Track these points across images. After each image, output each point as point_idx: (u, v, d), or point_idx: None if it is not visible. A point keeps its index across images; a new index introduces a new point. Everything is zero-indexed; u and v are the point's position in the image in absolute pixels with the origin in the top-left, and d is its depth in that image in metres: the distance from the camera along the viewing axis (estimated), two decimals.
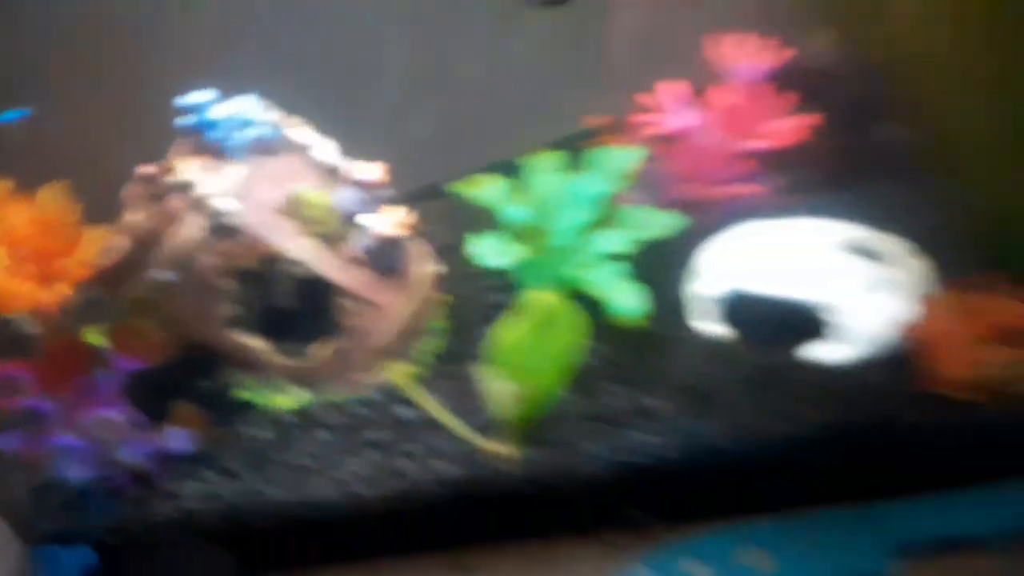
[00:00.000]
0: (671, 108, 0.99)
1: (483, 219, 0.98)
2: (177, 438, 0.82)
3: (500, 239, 0.94)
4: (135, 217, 0.89)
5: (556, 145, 1.01)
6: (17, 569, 0.77)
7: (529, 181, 0.99)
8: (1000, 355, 0.83)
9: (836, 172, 1.02)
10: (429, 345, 0.96)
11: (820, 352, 0.89)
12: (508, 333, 0.78)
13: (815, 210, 0.99)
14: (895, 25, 0.81)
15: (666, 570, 0.85)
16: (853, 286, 0.90)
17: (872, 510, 0.87)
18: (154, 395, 0.83)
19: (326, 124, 0.94)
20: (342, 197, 0.89)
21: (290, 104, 0.95)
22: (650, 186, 1.00)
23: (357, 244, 0.89)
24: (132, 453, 0.80)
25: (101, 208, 0.92)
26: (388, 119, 1.04)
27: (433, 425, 0.88)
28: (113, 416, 0.80)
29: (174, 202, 0.87)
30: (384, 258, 0.89)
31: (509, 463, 0.84)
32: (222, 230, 0.83)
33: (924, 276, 0.92)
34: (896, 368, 0.87)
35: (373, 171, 0.92)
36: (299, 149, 0.92)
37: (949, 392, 0.84)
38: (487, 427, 0.85)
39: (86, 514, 0.82)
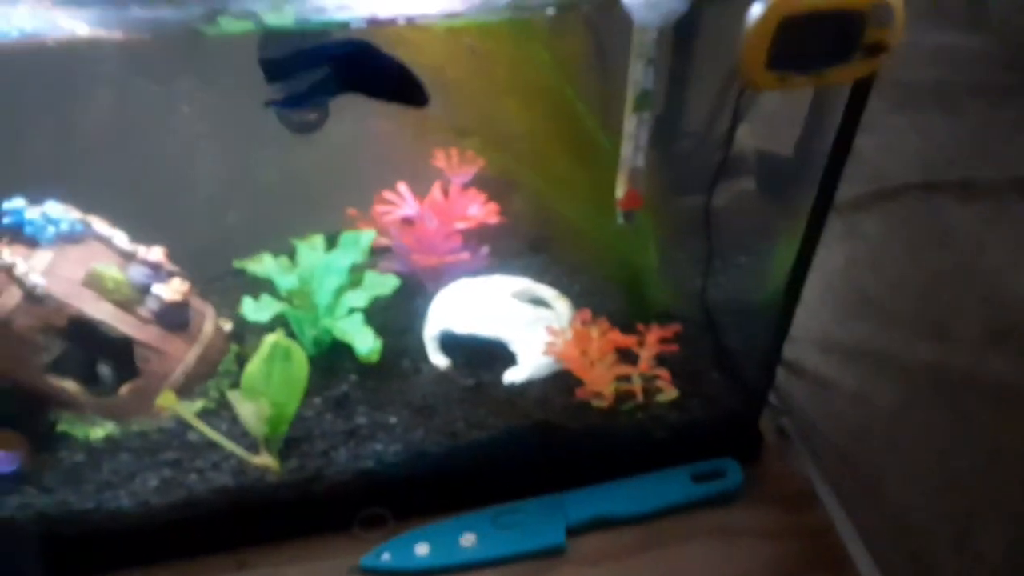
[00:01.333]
0: (402, 202, 1.32)
1: (264, 287, 1.27)
2: (1, 460, 1.05)
3: (262, 300, 1.23)
4: None
5: (322, 231, 1.32)
6: None
7: (299, 257, 1.28)
8: (617, 371, 1.17)
9: (514, 244, 1.38)
10: (221, 383, 1.23)
11: (506, 374, 1.21)
12: (250, 366, 1.07)
13: (504, 269, 1.35)
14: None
15: (402, 554, 1.10)
16: (523, 324, 1.23)
17: (552, 497, 1.16)
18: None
19: (122, 220, 1.22)
20: (134, 272, 1.16)
21: (93, 206, 1.21)
22: (397, 257, 1.33)
23: (148, 307, 1.16)
24: None
25: None
26: (203, 214, 1.32)
27: (215, 446, 1.14)
28: None
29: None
30: (169, 316, 1.16)
31: (271, 473, 1.11)
32: (34, 298, 1.08)
33: (567, 315, 1.27)
34: (555, 384, 1.20)
35: (156, 253, 1.20)
36: (100, 239, 1.18)
37: (592, 400, 1.18)
38: (255, 445, 1.13)
39: None
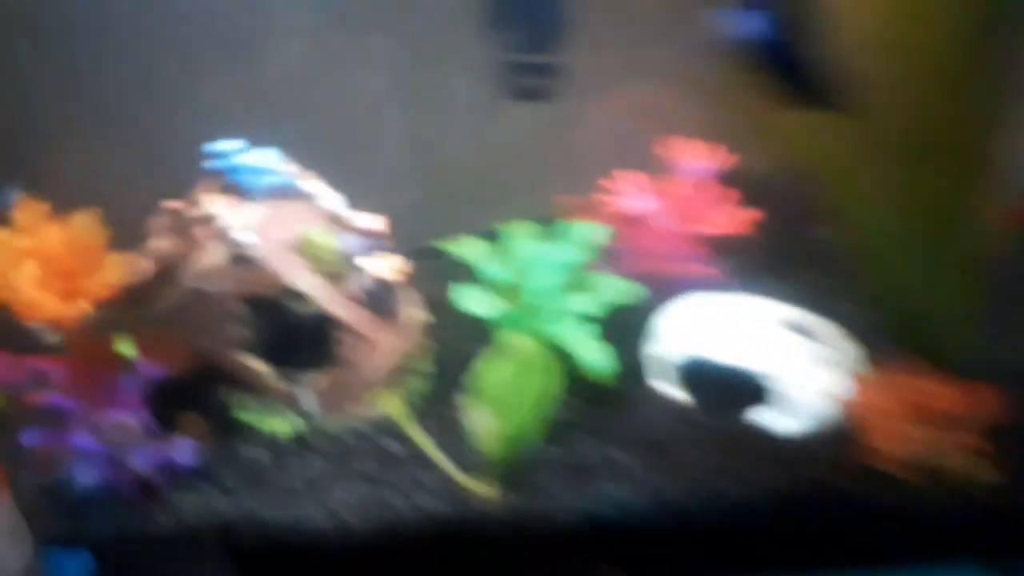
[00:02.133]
0: (630, 193, 1.12)
1: (466, 275, 1.09)
2: (183, 449, 0.89)
3: (482, 291, 1.04)
4: (159, 244, 0.98)
5: (532, 218, 1.13)
6: (27, 566, 0.83)
7: (508, 246, 1.10)
8: (924, 436, 0.93)
9: (773, 261, 1.14)
10: (416, 384, 1.05)
11: (766, 419, 0.99)
12: (491, 372, 0.87)
13: (754, 291, 1.11)
14: (822, 141, 0.94)
15: None
16: (795, 360, 1.01)
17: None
18: (168, 404, 0.90)
19: (335, 181, 1.05)
20: (346, 241, 0.99)
21: (305, 160, 1.06)
22: (613, 259, 1.13)
23: (356, 284, 0.98)
24: (142, 461, 0.87)
25: (127, 236, 1.01)
26: (388, 183, 1.15)
27: (418, 460, 0.96)
28: (129, 420, 0.87)
29: (198, 232, 0.95)
30: (379, 299, 0.99)
31: (488, 503, 0.92)
32: (240, 259, 0.92)
33: (855, 357, 1.03)
34: (834, 440, 0.97)
35: (374, 222, 1.02)
36: (310, 198, 1.02)
37: (881, 466, 0.94)
38: (469, 465, 0.94)
39: (91, 519, 0.88)
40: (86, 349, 0.91)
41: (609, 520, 0.92)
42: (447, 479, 0.94)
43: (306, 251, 0.96)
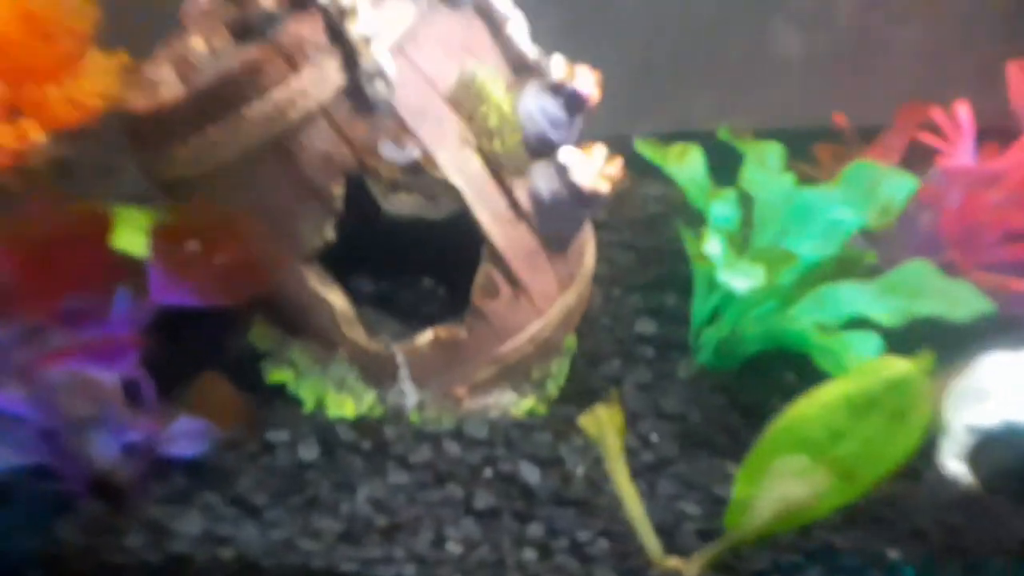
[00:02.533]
0: (965, 139, 0.72)
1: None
2: (188, 430, 0.47)
3: (736, 254, 0.64)
4: (200, 45, 0.54)
5: (788, 136, 0.73)
6: None
7: (746, 175, 0.70)
8: None
9: None
10: (559, 367, 0.65)
11: None
12: (822, 398, 0.48)
13: None
14: None
15: None
16: None
17: None
18: (178, 356, 0.48)
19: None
20: (534, 104, 0.57)
21: None
22: (914, 235, 0.73)
23: (534, 185, 0.57)
24: (108, 444, 0.45)
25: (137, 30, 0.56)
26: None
27: (569, 502, 0.57)
28: (104, 376, 0.44)
29: (293, 34, 0.52)
30: (561, 221, 0.58)
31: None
32: (364, 100, 0.49)
33: None
34: None
35: (586, 79, 0.58)
36: (492, 17, 0.59)
37: None
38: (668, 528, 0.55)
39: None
40: (41, 220, 0.46)
41: None
42: (625, 545, 0.55)
43: (468, 106, 0.54)
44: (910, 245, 0.73)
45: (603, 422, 0.48)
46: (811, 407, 0.48)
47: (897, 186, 0.69)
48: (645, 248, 0.81)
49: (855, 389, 0.48)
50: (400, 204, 0.65)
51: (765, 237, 0.69)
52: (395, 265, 0.70)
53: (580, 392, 0.68)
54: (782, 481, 0.47)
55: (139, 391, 0.47)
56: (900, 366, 0.48)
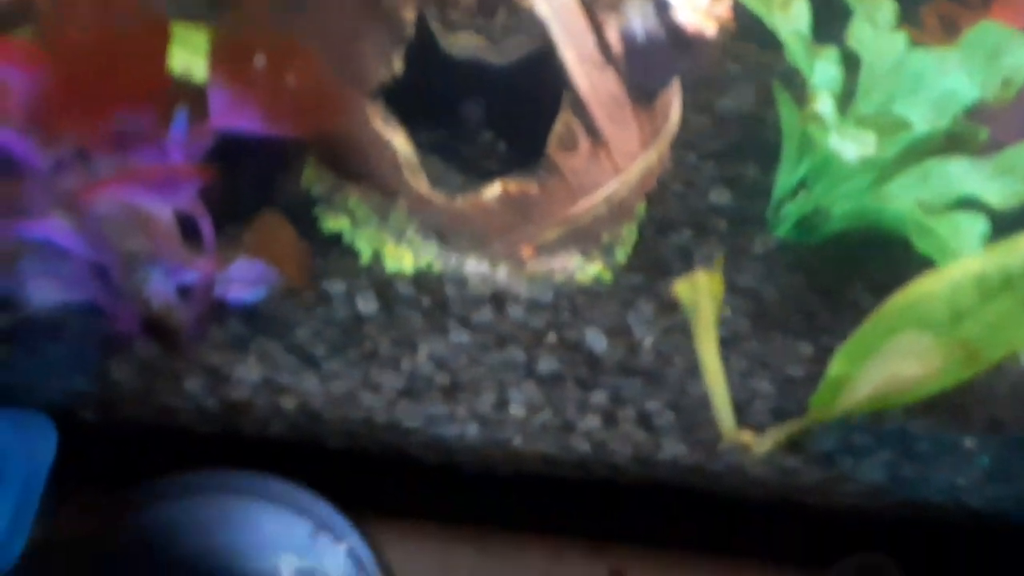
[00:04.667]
0: None
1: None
2: (247, 273, 0.45)
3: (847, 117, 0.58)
4: None
5: None
6: None
7: (854, 32, 0.63)
8: None
9: None
10: (628, 237, 0.61)
11: None
12: (950, 274, 0.43)
13: None
14: None
15: None
16: None
17: None
18: (233, 192, 0.44)
19: None
20: None
21: None
22: None
23: (628, 23, 0.51)
24: (163, 282, 0.43)
25: None
26: None
27: (636, 371, 0.55)
28: (159, 208, 0.41)
29: None
30: (654, 68, 0.52)
31: (749, 457, 0.52)
32: None
33: None
34: None
35: None
36: None
37: None
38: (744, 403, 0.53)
39: (57, 368, 0.45)
40: (90, 27, 0.41)
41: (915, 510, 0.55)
42: (697, 417, 0.53)
43: None
44: None
45: (700, 288, 0.45)
46: (937, 283, 0.44)
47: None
48: (724, 111, 0.75)
49: (992, 267, 0.43)
50: (460, 46, 0.60)
51: (870, 104, 0.62)
52: (454, 114, 0.65)
53: (648, 261, 0.65)
54: (893, 360, 0.43)
55: (196, 227, 0.44)
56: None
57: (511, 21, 0.51)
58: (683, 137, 0.72)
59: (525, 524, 0.58)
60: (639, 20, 0.50)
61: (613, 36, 0.51)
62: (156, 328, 0.46)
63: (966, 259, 0.46)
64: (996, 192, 0.59)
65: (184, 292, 0.48)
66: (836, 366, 0.48)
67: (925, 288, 0.44)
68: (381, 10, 0.49)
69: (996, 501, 0.57)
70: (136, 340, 0.47)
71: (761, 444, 0.53)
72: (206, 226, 0.43)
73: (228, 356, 0.50)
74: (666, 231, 0.67)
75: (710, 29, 0.50)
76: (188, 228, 0.44)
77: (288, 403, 0.49)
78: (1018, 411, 0.62)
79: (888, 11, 0.65)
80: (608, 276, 0.62)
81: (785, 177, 0.66)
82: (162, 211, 0.42)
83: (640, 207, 0.65)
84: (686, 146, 0.73)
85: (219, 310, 0.49)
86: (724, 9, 0.50)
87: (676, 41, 0.49)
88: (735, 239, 0.68)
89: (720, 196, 0.70)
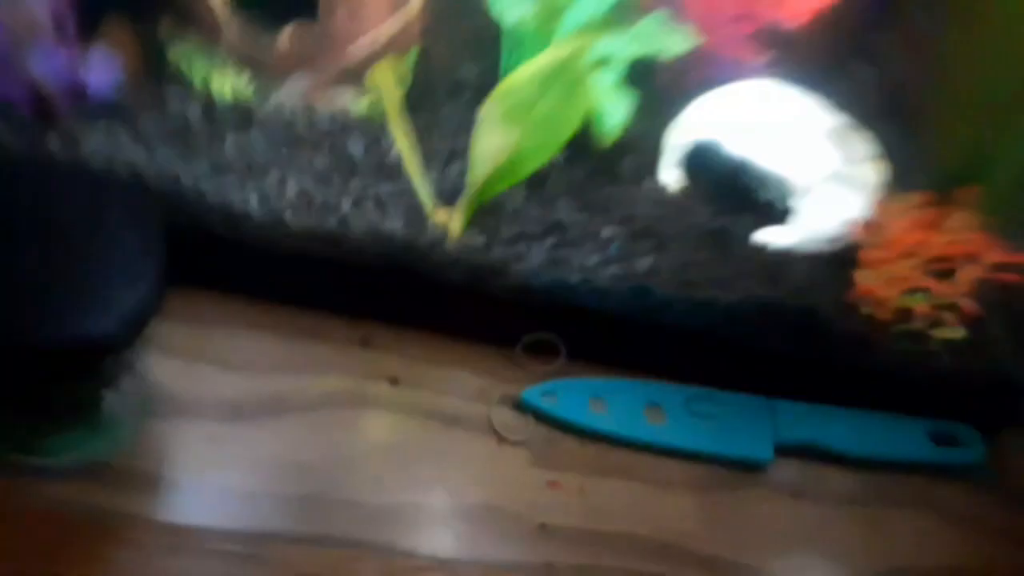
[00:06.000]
0: None
1: None
2: (100, 67, 0.68)
3: None
4: None
5: None
6: None
7: None
8: (914, 281, 0.88)
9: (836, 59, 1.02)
10: (404, 75, 0.86)
11: (766, 233, 0.91)
12: (518, 75, 0.70)
13: (804, 86, 0.97)
14: None
15: (574, 403, 0.84)
16: (823, 175, 0.91)
17: (762, 401, 0.90)
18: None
19: None
20: None
21: None
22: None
23: None
24: (42, 63, 0.66)
25: None
26: None
27: (382, 171, 0.81)
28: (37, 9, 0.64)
29: None
30: None
31: (447, 239, 0.79)
32: None
33: (883, 182, 0.94)
34: (831, 267, 0.90)
35: None
36: None
37: (872, 306, 0.89)
38: (441, 191, 0.79)
39: None
40: None
41: (566, 289, 0.82)
42: (410, 199, 0.80)
43: None
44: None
45: (386, 76, 0.70)
46: (516, 77, 0.70)
47: None
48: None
49: (547, 63, 0.69)
50: None
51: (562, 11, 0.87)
52: None
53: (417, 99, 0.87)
54: (492, 139, 0.70)
55: (64, 23, 0.67)
56: (569, 46, 0.70)
57: None
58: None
59: (297, 299, 0.82)
60: None
61: None
62: (38, 101, 0.69)
63: (534, 59, 0.70)
64: (625, 55, 0.86)
65: (56, 72, 0.69)
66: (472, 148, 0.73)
67: (510, 82, 0.70)
68: None
69: (618, 279, 0.84)
70: (22, 111, 0.70)
71: (454, 222, 0.80)
72: (70, 22, 0.66)
73: (83, 129, 0.73)
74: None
75: None
76: (58, 22, 0.67)
77: (122, 172, 0.72)
78: (644, 212, 0.88)
79: None
80: (376, 111, 0.87)
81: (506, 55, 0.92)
82: (39, 3, 0.64)
83: (412, 53, 0.88)
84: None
85: (80, 92, 0.71)
86: None
87: None
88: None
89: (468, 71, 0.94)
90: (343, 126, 0.83)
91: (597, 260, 0.83)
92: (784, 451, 0.88)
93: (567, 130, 0.73)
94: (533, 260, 0.81)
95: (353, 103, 0.83)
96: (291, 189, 0.78)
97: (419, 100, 0.86)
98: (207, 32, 0.77)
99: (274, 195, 0.77)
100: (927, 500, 0.91)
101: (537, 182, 0.85)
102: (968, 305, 0.89)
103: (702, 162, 0.93)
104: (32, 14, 0.64)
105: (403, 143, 0.74)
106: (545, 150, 0.73)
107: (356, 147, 0.81)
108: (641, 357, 0.88)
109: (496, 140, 0.70)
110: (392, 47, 0.82)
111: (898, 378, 0.90)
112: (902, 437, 0.93)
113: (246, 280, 0.81)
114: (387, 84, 0.71)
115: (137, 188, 0.68)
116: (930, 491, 0.92)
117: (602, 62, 0.85)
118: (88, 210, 0.61)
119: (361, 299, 0.83)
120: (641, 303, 0.84)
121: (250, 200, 0.76)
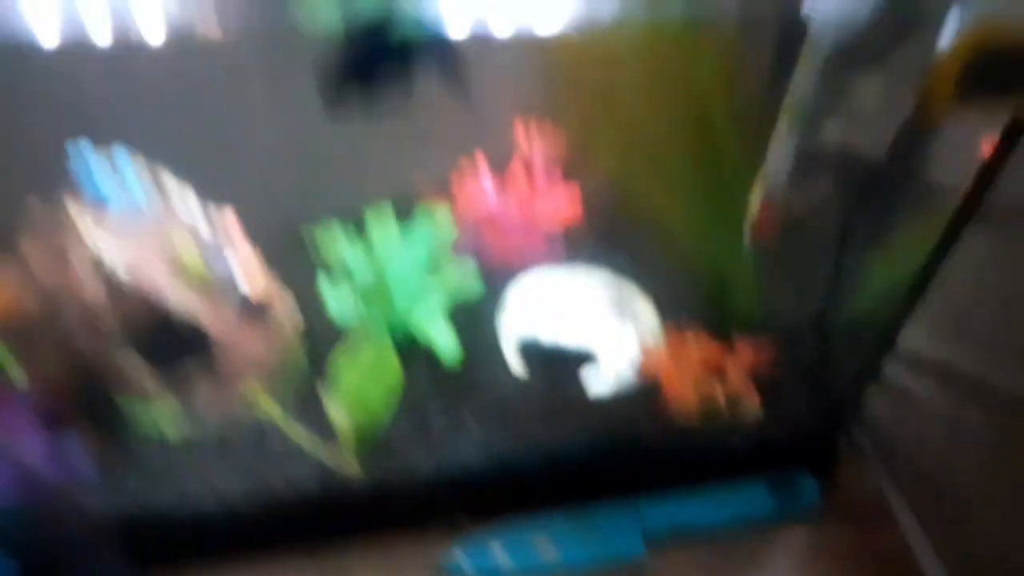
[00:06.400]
0: (481, 180, 1.27)
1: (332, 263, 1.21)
2: (75, 447, 1.01)
3: (340, 289, 1.18)
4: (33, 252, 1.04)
5: (395, 201, 1.24)
6: None
7: (371, 236, 1.22)
8: (710, 387, 1.14)
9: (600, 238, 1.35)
10: (289, 378, 1.19)
11: (590, 382, 1.18)
12: (345, 372, 1.02)
13: (586, 261, 1.31)
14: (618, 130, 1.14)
15: (479, 556, 1.08)
16: (611, 335, 1.20)
17: (627, 503, 1.13)
18: (58, 414, 1.01)
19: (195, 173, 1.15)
20: (212, 257, 1.11)
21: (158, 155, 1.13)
22: (470, 242, 1.28)
23: (225, 294, 1.11)
24: (39, 457, 0.98)
25: None
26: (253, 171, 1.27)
27: (291, 446, 1.11)
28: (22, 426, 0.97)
29: (65, 248, 1.04)
30: (251, 307, 1.12)
31: (351, 472, 1.07)
32: (115, 289, 1.02)
33: (657, 325, 1.23)
34: (641, 397, 1.17)
35: (228, 223, 1.13)
36: (169, 202, 1.11)
37: (678, 414, 1.15)
38: (335, 447, 1.09)
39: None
40: None
41: (452, 475, 1.09)
42: (316, 460, 1.09)
43: (176, 266, 1.07)
44: (473, 243, 1.28)
45: (267, 398, 1.03)
46: (350, 379, 1.03)
47: (444, 223, 1.23)
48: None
49: (362, 368, 1.04)
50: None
51: (387, 267, 1.22)
52: (175, 345, 1.25)
53: (306, 387, 1.22)
54: (341, 413, 1.03)
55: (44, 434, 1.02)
56: (379, 345, 1.03)
57: None
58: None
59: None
60: (233, 290, 1.10)
61: (224, 300, 1.10)
62: (47, 486, 1.01)
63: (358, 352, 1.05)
64: (443, 302, 1.19)
65: (53, 462, 1.02)
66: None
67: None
68: (100, 323, 1.07)
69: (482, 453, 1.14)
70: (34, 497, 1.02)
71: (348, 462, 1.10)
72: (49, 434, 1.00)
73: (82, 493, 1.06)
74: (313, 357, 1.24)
75: (265, 300, 1.09)
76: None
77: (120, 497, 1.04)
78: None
79: (388, 218, 1.24)
80: (285, 393, 1.19)
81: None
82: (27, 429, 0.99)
83: (295, 359, 1.22)
84: None
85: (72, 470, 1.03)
86: (272, 290, 1.10)
87: (252, 294, 1.09)
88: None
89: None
90: (257, 421, 1.14)
91: (468, 448, 1.11)
92: (655, 539, 1.11)
93: (389, 401, 1.05)
94: (420, 462, 1.09)
95: (258, 401, 1.15)
96: (230, 474, 1.08)
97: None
98: (142, 391, 1.11)
99: (220, 481, 1.07)
100: (781, 549, 1.14)
101: (414, 399, 1.15)
102: (750, 390, 1.15)
103: (530, 350, 1.22)
104: (19, 431, 0.99)
105: (294, 431, 1.06)
106: (383, 416, 1.05)
107: (269, 434, 1.12)
108: (528, 498, 1.14)
109: (347, 423, 1.02)
110: (272, 364, 1.15)
111: (728, 449, 1.15)
112: (745, 499, 1.16)
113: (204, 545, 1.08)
114: (265, 399, 1.04)
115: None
116: (779, 539, 1.15)
117: (431, 305, 1.17)
118: None
119: (303, 530, 1.11)
120: (509, 465, 1.11)
121: (197, 491, 1.06)
